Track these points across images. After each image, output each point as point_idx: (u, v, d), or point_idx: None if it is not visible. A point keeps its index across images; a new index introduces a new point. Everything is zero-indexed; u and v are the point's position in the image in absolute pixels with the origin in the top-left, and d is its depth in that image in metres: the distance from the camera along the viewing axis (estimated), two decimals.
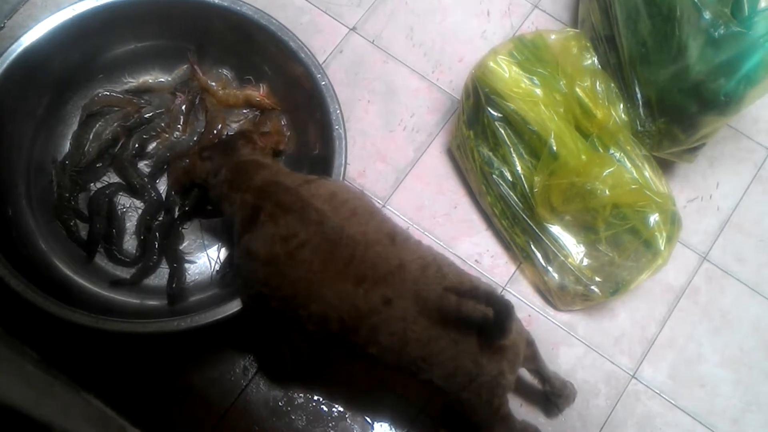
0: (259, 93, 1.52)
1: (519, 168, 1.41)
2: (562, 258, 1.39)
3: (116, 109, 1.52)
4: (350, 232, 1.11)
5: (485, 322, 1.05)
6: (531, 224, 1.41)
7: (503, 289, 1.49)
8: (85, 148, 1.49)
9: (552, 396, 1.35)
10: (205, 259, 1.46)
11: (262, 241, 1.13)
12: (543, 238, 1.40)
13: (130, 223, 1.47)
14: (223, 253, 1.45)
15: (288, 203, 1.14)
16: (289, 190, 1.16)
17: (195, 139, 1.51)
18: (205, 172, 1.27)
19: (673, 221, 1.36)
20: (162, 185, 1.50)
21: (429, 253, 1.14)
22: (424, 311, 1.06)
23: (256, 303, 1.20)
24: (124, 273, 1.44)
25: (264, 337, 1.38)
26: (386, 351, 1.09)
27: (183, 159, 1.33)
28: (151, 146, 1.52)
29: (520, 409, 1.39)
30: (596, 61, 1.45)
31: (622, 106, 1.43)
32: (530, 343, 1.24)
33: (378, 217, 1.17)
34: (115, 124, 1.50)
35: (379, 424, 1.38)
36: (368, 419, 1.39)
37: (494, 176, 1.44)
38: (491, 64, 1.39)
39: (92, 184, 1.49)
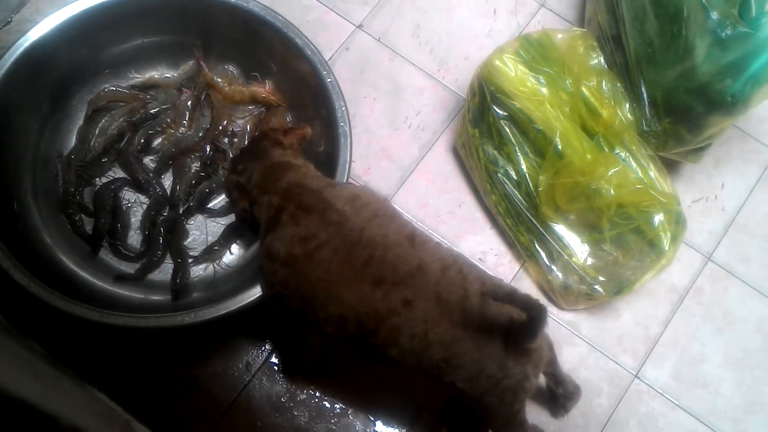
0: (264, 90, 1.53)
1: (524, 167, 1.41)
2: (566, 257, 1.39)
3: (122, 104, 1.53)
4: (370, 233, 1.10)
5: (512, 324, 1.05)
6: (535, 223, 1.41)
7: None
8: (91, 143, 1.49)
9: (562, 398, 1.35)
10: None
11: (282, 241, 1.13)
12: (547, 237, 1.40)
13: (135, 218, 1.47)
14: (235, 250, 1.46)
15: (310, 204, 1.14)
16: (312, 191, 1.16)
17: (200, 135, 1.51)
18: (243, 182, 1.25)
19: (677, 221, 1.36)
20: (167, 181, 1.50)
21: (449, 255, 1.13)
22: (446, 313, 1.05)
23: (277, 303, 1.20)
24: (129, 268, 1.44)
25: (282, 326, 1.38)
26: (407, 353, 1.07)
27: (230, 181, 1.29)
28: (157, 142, 1.53)
29: None
30: (602, 60, 1.45)
31: (628, 105, 1.42)
32: (551, 347, 1.24)
33: (399, 220, 1.17)
34: (121, 119, 1.51)
35: (382, 420, 1.39)
36: (370, 416, 1.39)
37: (499, 175, 1.44)
38: (497, 62, 1.39)
39: (97, 179, 1.49)
